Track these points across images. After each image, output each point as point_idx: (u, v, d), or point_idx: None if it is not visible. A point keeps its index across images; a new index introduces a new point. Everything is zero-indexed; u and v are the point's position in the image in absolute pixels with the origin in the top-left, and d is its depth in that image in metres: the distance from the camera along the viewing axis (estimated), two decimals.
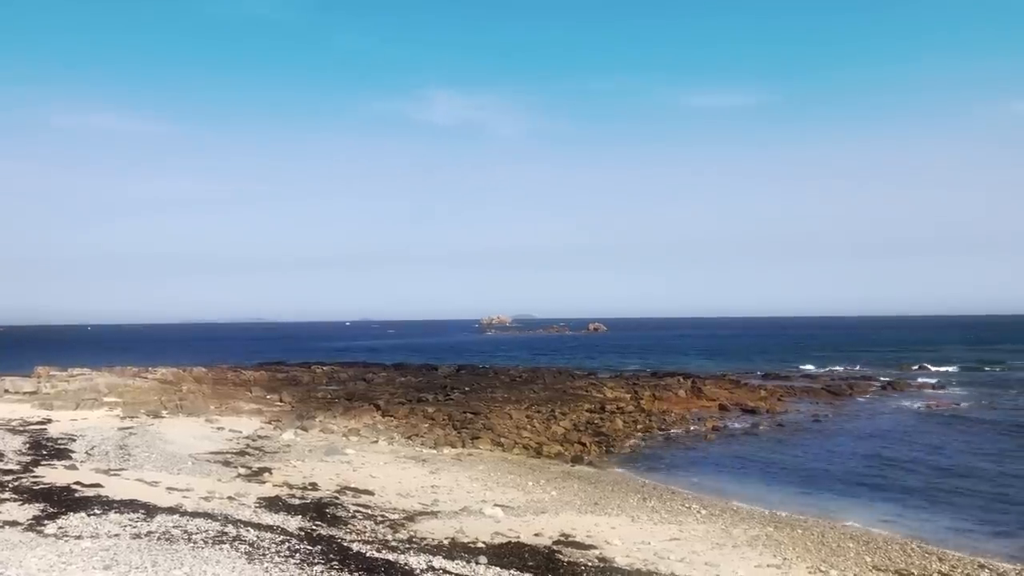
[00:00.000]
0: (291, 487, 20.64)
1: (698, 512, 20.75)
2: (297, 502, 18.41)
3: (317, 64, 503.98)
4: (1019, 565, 16.80)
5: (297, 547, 13.17)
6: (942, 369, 72.99)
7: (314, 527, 15.50)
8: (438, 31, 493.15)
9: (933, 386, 57.95)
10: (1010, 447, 31.70)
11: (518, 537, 16.66)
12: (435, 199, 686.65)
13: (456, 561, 13.66)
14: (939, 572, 16.01)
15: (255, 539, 13.34)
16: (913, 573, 15.88)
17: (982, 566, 16.57)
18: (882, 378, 63.04)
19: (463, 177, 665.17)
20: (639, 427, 36.98)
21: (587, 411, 40.93)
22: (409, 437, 32.12)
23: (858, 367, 76.81)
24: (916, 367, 75.91)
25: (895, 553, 17.31)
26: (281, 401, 43.22)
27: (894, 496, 24.05)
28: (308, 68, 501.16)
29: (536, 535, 17.15)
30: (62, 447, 24.16)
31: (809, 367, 77.58)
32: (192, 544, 12.59)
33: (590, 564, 14.81)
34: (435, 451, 29.57)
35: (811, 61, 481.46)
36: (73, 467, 20.80)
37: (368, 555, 13.22)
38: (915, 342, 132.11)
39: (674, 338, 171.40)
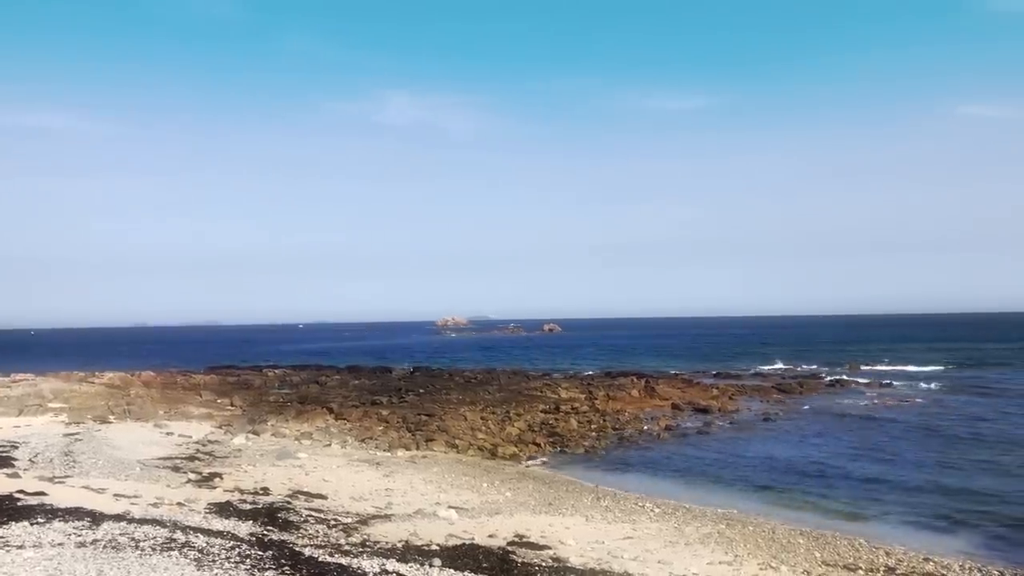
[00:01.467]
0: (242, 492, 20.40)
1: (651, 511, 20.92)
2: (248, 507, 18.17)
3: (268, 65, 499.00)
4: (962, 559, 17.20)
5: (248, 553, 12.98)
6: (891, 368, 74.63)
7: (265, 532, 15.30)
8: (391, 32, 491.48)
9: (880, 384, 59.14)
10: (949, 446, 32.32)
11: (472, 539, 16.65)
12: (391, 200, 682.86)
13: (410, 564, 13.58)
14: (886, 566, 16.33)
15: (204, 545, 13.12)
16: (861, 568, 16.17)
17: (927, 559, 16.96)
18: (832, 377, 64.34)
19: (418, 178, 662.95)
20: (593, 427, 37.16)
21: (542, 412, 41.08)
22: (363, 440, 31.91)
23: (803, 366, 78.16)
24: (865, 366, 77.70)
25: (844, 548, 17.62)
26: (232, 405, 42.64)
27: (842, 493, 24.47)
28: (259, 69, 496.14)
29: (490, 536, 17.16)
30: (4, 455, 23.55)
31: (762, 366, 78.75)
32: (139, 552, 12.34)
33: (544, 564, 14.84)
34: (389, 453, 29.42)
35: (766, 64, 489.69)
36: (16, 475, 20.28)
37: (320, 559, 13.08)
38: (870, 340, 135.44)
39: (629, 338, 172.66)
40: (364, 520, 18.04)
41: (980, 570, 16.18)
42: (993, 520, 20.81)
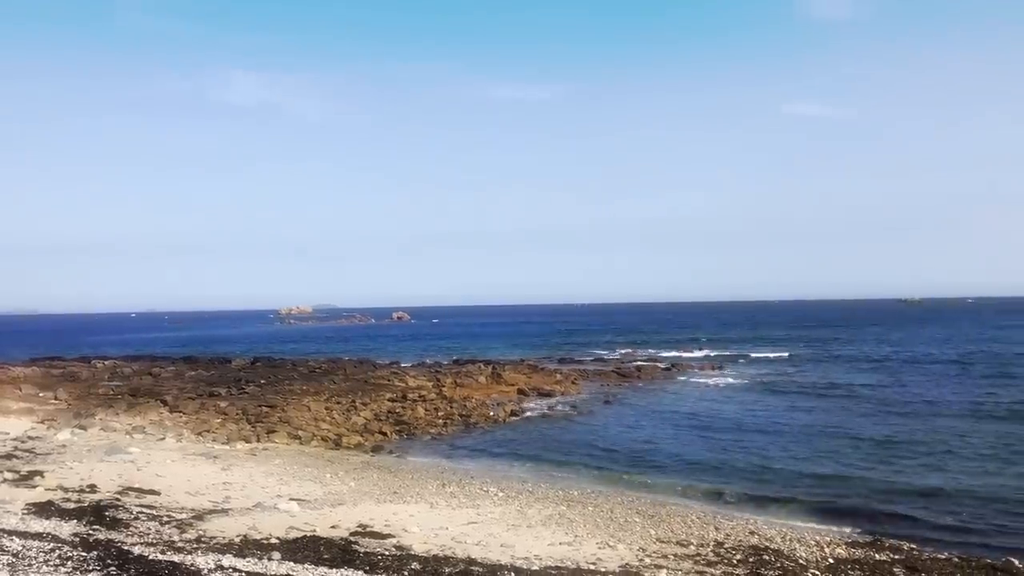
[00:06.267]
0: (66, 490, 19.24)
1: (495, 495, 21.22)
2: (72, 506, 17.15)
3: (97, 39, 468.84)
4: (784, 529, 18.43)
5: (70, 554, 12.22)
6: (728, 353, 78.41)
7: (91, 532, 14.47)
8: (235, 8, 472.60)
9: (713, 368, 62.27)
10: (764, 429, 34.04)
11: (314, 530, 16.36)
12: (232, 183, 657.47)
13: (247, 559, 13.19)
14: (715, 540, 17.26)
15: (20, 549, 12.25)
16: (692, 543, 17.01)
17: (752, 532, 18.05)
18: (669, 362, 67.21)
19: (260, 161, 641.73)
20: (440, 414, 37.26)
21: (389, 400, 40.82)
22: (199, 433, 30.72)
23: (644, 351, 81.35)
24: (699, 350, 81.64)
25: (677, 525, 18.49)
26: (56, 399, 40.06)
27: (677, 470, 25.72)
28: (86, 42, 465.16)
29: (333, 527, 16.92)
30: None
31: (605, 351, 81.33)
32: None
33: (387, 553, 14.76)
34: (227, 447, 28.46)
35: (604, 59, 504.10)
36: None
37: (151, 558, 12.49)
38: (710, 326, 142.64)
39: (479, 326, 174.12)
40: (200, 515, 17.39)
41: (799, 540, 17.35)
42: (804, 497, 22.34)
